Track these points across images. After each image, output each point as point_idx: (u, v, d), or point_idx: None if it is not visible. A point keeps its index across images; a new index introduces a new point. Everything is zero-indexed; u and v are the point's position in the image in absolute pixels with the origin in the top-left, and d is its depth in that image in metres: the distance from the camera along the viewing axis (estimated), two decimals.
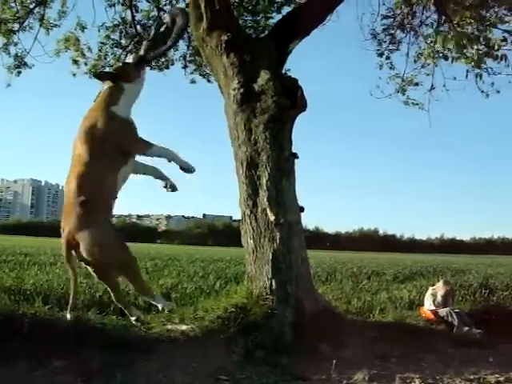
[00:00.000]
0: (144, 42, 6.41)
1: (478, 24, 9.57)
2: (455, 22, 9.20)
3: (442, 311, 10.02)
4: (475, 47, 9.53)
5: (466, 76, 10.22)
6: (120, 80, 5.92)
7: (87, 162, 5.84)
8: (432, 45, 10.74)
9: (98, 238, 6.31)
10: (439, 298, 10.36)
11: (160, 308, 7.09)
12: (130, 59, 6.05)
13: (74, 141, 6.03)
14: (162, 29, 6.94)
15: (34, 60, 12.48)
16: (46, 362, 6.20)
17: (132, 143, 5.74)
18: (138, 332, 7.35)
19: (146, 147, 5.76)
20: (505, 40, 9.68)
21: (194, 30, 9.33)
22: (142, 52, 6.28)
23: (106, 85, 5.98)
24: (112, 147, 5.79)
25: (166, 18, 6.52)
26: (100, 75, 5.93)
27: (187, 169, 5.91)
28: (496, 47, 9.49)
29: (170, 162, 5.94)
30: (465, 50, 9.39)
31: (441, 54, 10.51)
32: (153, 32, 6.49)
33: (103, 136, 5.78)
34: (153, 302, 7.32)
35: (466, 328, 9.64)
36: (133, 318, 6.81)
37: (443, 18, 10.07)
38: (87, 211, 6.09)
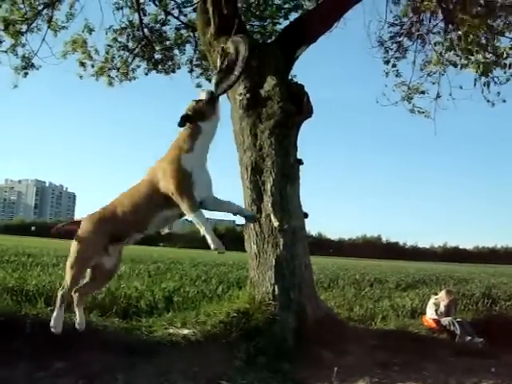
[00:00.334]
0: (213, 76, 6.30)
1: (485, 32, 9.56)
2: (463, 31, 9.19)
3: (445, 320, 10.00)
4: (483, 55, 9.53)
5: (475, 84, 10.20)
6: (196, 120, 5.79)
7: (136, 194, 5.77)
8: (440, 51, 10.74)
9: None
10: (442, 308, 10.34)
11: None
12: (202, 96, 5.94)
13: (149, 169, 5.92)
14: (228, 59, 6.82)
15: (41, 61, 12.52)
16: (48, 363, 6.22)
17: (182, 201, 5.63)
18: (139, 335, 7.36)
19: (190, 211, 5.61)
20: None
21: (201, 35, 9.37)
22: (212, 86, 6.15)
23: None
24: (163, 195, 5.71)
25: (230, 48, 6.43)
26: (182, 121, 5.80)
27: (215, 249, 5.85)
28: (504, 55, 9.50)
29: (201, 234, 5.85)
30: (473, 57, 9.38)
31: (448, 62, 10.50)
32: (219, 63, 6.38)
33: (161, 185, 5.67)
34: None
35: (469, 337, 9.62)
36: None
37: (450, 26, 10.08)
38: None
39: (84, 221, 5.96)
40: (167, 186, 5.56)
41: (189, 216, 5.62)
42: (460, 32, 8.92)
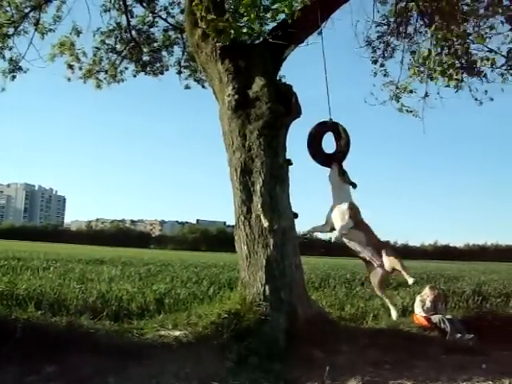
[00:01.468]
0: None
1: (461, 39, 9.62)
2: (441, 36, 9.23)
3: (435, 318, 10.04)
4: (457, 65, 9.60)
5: (456, 91, 10.30)
6: None
7: None
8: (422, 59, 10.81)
9: None
10: (428, 304, 10.40)
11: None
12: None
13: None
14: None
15: (28, 64, 12.46)
16: (39, 367, 6.20)
17: None
18: (131, 337, 7.34)
19: None
20: (487, 59, 9.75)
21: (189, 36, 9.36)
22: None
23: None
24: None
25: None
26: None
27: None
28: (477, 64, 9.59)
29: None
30: (450, 71, 9.45)
31: (426, 75, 10.54)
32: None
33: None
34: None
35: (459, 335, 9.66)
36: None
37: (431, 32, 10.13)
38: None
39: None
40: None
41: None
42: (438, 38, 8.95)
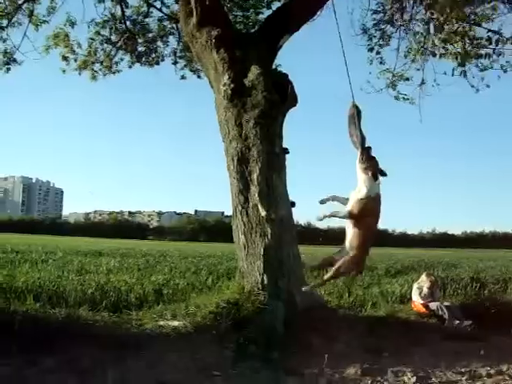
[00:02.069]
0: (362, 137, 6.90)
1: (463, 22, 9.61)
2: (442, 20, 9.22)
3: (433, 305, 10.07)
4: (461, 44, 9.59)
5: (452, 74, 10.30)
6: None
7: None
8: (420, 42, 10.77)
9: None
10: (425, 291, 10.43)
11: None
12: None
13: None
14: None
15: (23, 56, 12.38)
16: (38, 359, 6.20)
17: None
18: (130, 328, 7.36)
19: None
20: (489, 39, 9.74)
21: (183, 26, 9.31)
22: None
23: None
24: None
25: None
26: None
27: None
28: (482, 44, 9.59)
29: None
30: (451, 48, 9.45)
31: (428, 51, 10.52)
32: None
33: None
34: None
35: (457, 321, 9.69)
36: None
37: (430, 14, 10.11)
38: None
39: None
40: None
41: None
42: (439, 20, 8.95)
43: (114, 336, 6.91)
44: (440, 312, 9.91)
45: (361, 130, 6.58)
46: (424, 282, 10.72)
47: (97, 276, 13.02)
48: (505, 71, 10.22)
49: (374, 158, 6.50)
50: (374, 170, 6.63)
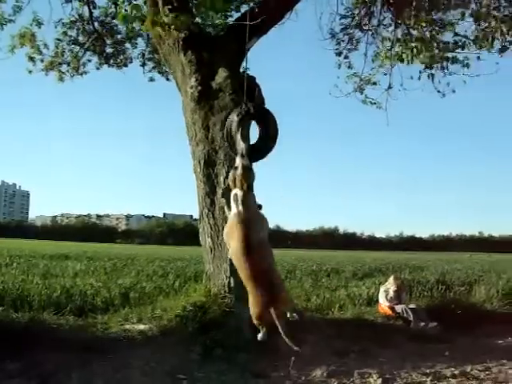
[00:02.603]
0: (243, 146, 6.18)
1: (430, 27, 9.74)
2: (409, 25, 9.34)
3: (398, 308, 10.19)
4: (427, 49, 9.71)
5: (419, 78, 10.44)
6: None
7: None
8: (388, 47, 10.88)
9: None
10: (391, 293, 10.56)
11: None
12: (245, 161, 5.79)
13: None
14: None
15: None
16: (1, 364, 6.11)
17: None
18: (95, 332, 7.29)
19: None
20: (456, 43, 9.90)
21: (151, 28, 9.26)
22: (247, 153, 5.99)
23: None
24: None
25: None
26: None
27: None
28: (450, 49, 9.73)
29: None
30: (420, 55, 9.55)
31: (396, 57, 10.63)
32: (240, 131, 6.28)
33: None
34: None
35: (422, 323, 9.81)
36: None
37: (399, 20, 10.23)
38: None
39: None
40: None
41: None
42: (407, 26, 9.06)
43: (79, 340, 6.84)
44: (405, 314, 10.03)
45: (244, 135, 6.15)
46: (391, 284, 10.84)
47: (62, 279, 12.91)
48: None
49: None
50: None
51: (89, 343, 6.79)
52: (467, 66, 10.08)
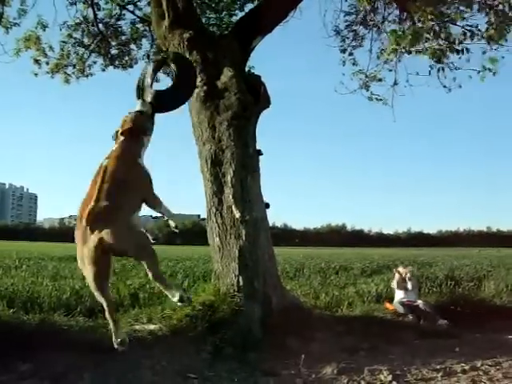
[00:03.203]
0: (150, 90, 6.01)
1: (438, 20, 9.70)
2: (416, 18, 9.31)
3: (419, 303, 10.18)
4: (436, 42, 9.68)
5: (429, 72, 10.41)
6: (140, 135, 5.51)
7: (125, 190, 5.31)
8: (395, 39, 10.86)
9: None
10: (409, 285, 10.56)
11: (175, 299, 5.15)
12: (144, 107, 5.64)
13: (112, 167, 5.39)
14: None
15: None
16: (12, 366, 6.13)
17: (153, 199, 5.54)
18: (105, 333, 7.29)
19: (160, 204, 5.57)
20: (464, 34, 9.85)
21: (156, 28, 9.30)
22: (152, 100, 5.85)
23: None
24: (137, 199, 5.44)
25: (172, 66, 6.18)
26: (127, 134, 5.47)
27: (175, 226, 5.86)
28: (457, 41, 9.68)
29: (167, 219, 5.82)
30: (426, 44, 9.53)
31: (403, 49, 10.61)
32: (151, 73, 6.13)
33: (133, 186, 5.33)
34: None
35: (441, 321, 9.77)
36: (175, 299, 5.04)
37: (404, 14, 10.21)
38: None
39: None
40: (145, 190, 5.45)
41: (157, 209, 5.68)
42: (413, 20, 9.03)
43: (90, 341, 6.84)
44: (427, 309, 9.98)
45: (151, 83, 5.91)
46: (404, 272, 10.86)
47: (72, 281, 12.92)
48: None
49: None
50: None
51: (99, 344, 6.78)
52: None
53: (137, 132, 5.43)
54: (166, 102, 5.89)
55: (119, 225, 5.03)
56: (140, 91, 6.08)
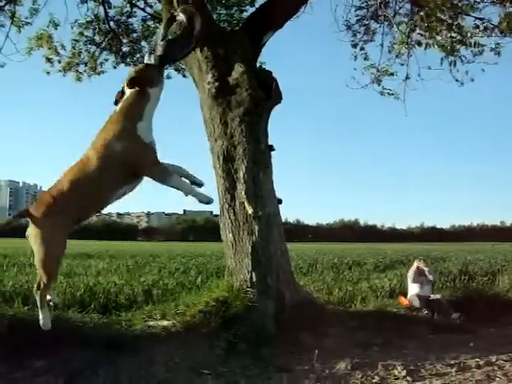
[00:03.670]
0: (159, 42, 5.87)
1: (450, 12, 9.64)
2: (427, 10, 9.24)
3: (435, 296, 10.20)
4: (448, 35, 9.63)
5: (441, 63, 10.35)
6: (145, 85, 5.30)
7: (90, 170, 5.11)
8: (405, 31, 10.81)
9: None
10: (429, 276, 10.58)
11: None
12: (150, 60, 5.52)
13: (97, 143, 5.23)
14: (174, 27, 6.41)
15: (5, 59, 12.28)
16: (27, 363, 6.17)
17: (150, 169, 5.11)
18: (119, 329, 7.33)
19: (165, 175, 5.07)
20: (477, 27, 9.78)
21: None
22: (160, 52, 5.70)
23: (128, 90, 5.32)
24: (125, 169, 5.17)
25: (180, 16, 6.06)
26: (131, 84, 5.27)
27: (206, 202, 5.37)
28: (469, 34, 9.63)
29: (186, 196, 5.33)
30: (438, 37, 9.49)
31: (413, 41, 10.56)
32: (162, 31, 5.98)
33: (120, 157, 5.08)
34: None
35: (455, 314, 9.75)
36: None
37: (415, 7, 10.16)
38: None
39: (40, 214, 5.04)
40: (134, 159, 4.93)
41: (166, 183, 5.14)
42: (424, 12, 8.97)
43: (104, 337, 6.87)
44: (445, 303, 10.00)
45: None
46: (422, 265, 10.91)
47: (86, 278, 13.00)
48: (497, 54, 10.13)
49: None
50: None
51: (113, 340, 6.82)
52: (498, 53, 9.99)
53: (141, 82, 5.10)
54: (173, 51, 5.74)
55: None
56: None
